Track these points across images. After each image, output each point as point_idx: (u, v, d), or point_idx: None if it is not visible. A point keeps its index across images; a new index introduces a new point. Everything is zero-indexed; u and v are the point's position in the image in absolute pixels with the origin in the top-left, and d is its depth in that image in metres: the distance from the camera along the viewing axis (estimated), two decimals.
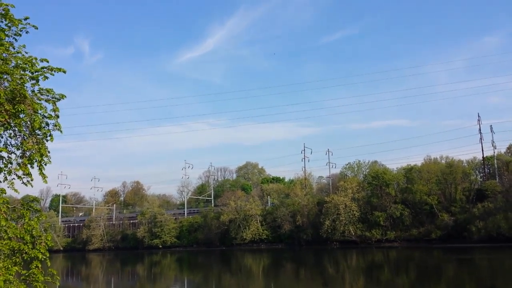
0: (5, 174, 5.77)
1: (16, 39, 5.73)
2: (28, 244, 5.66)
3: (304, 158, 72.70)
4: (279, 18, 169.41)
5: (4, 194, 5.75)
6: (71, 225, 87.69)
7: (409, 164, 59.13)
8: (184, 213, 78.85)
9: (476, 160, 60.52)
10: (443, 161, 57.97)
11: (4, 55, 5.53)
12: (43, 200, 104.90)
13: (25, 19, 5.71)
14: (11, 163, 5.80)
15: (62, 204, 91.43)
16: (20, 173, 5.71)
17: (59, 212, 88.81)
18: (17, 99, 5.47)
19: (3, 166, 5.81)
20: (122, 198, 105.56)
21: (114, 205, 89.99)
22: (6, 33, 5.60)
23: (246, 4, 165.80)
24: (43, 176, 5.90)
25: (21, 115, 5.57)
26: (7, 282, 5.44)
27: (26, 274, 5.71)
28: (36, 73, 5.79)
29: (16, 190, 5.81)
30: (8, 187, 5.74)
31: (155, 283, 30.96)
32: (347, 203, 56.15)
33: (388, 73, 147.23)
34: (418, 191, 53.01)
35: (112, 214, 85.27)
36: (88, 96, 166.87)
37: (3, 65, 5.41)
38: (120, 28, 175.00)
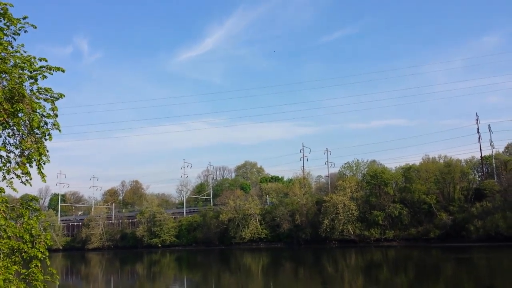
0: (4, 173, 5.77)
1: (14, 38, 5.73)
2: (27, 243, 5.67)
3: (303, 158, 72.84)
4: (278, 18, 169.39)
5: (3, 193, 5.75)
6: (70, 224, 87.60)
7: (408, 164, 59.30)
8: (183, 212, 78.87)
9: (475, 159, 60.70)
10: (441, 161, 58.11)
11: (2, 54, 5.53)
12: (42, 199, 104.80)
13: (24, 18, 5.71)
14: (10, 162, 5.80)
15: (61, 203, 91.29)
16: (19, 172, 5.71)
17: (58, 211, 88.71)
18: (15, 98, 5.46)
19: (2, 165, 5.81)
20: (121, 197, 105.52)
21: (113, 204, 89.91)
22: (5, 32, 5.59)
23: (245, 4, 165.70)
24: (42, 175, 5.90)
25: (20, 114, 5.57)
26: (7, 281, 5.45)
27: (26, 273, 5.72)
28: (35, 72, 5.78)
29: (15, 189, 5.81)
30: (7, 186, 5.75)
31: (155, 282, 30.99)
32: (345, 202, 56.26)
33: (387, 72, 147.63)
34: (416, 191, 53.14)
35: (111, 213, 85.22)
36: (87, 95, 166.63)
37: (1, 64, 5.41)
38: (119, 27, 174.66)
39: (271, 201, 68.57)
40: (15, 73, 5.55)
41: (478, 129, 60.23)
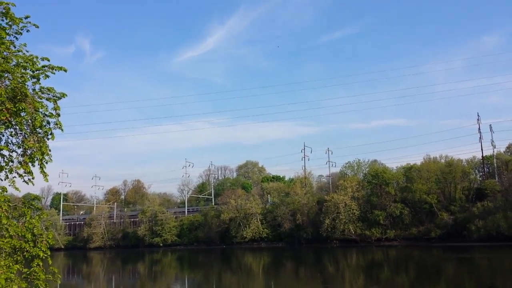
0: (6, 172, 5.79)
1: (17, 38, 5.74)
2: (29, 242, 5.68)
3: (304, 157, 72.78)
4: (279, 18, 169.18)
5: (5, 192, 5.77)
6: (72, 223, 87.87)
7: (409, 163, 59.12)
8: (185, 212, 78.99)
9: (476, 159, 60.50)
10: (442, 160, 57.94)
11: (5, 53, 5.54)
12: (44, 198, 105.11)
13: (26, 17, 5.72)
14: (12, 162, 5.82)
15: (63, 202, 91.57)
16: (21, 171, 5.73)
17: (60, 211, 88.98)
18: (18, 97, 5.47)
19: (4, 164, 5.82)
20: (123, 197, 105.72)
21: (115, 203, 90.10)
22: (7, 31, 5.60)
23: (246, 4, 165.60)
24: (44, 175, 5.91)
25: (22, 114, 5.58)
26: (9, 280, 5.46)
27: (28, 272, 5.73)
28: (37, 72, 5.79)
29: (17, 189, 5.83)
30: (10, 185, 5.77)
31: (156, 281, 31.05)
32: (347, 202, 56.19)
33: (387, 72, 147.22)
34: (417, 190, 53.02)
35: (113, 212, 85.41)
36: (88, 95, 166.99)
37: (4, 64, 5.42)
38: (121, 27, 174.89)
39: (273, 201, 68.55)
40: (17, 72, 5.56)
41: (479, 129, 60.11)
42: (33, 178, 5.83)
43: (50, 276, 5.99)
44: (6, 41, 5.56)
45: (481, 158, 59.74)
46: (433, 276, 25.52)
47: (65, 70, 6.00)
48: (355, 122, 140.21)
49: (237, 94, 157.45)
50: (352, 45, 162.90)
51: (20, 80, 5.55)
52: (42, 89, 5.89)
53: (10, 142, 5.80)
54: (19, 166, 5.72)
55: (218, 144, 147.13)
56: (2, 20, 5.59)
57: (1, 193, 5.67)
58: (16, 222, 5.83)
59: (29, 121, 5.69)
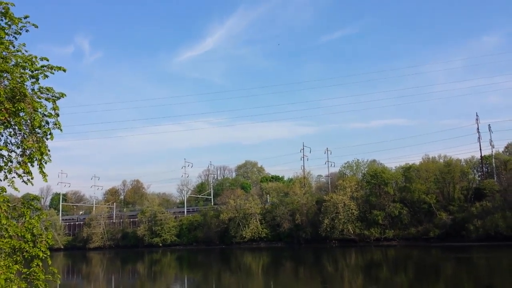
0: (5, 172, 5.78)
1: (16, 38, 5.73)
2: (28, 242, 5.68)
3: (303, 157, 72.83)
4: (278, 18, 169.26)
5: (4, 193, 5.76)
6: (72, 223, 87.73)
7: (408, 163, 59.23)
8: (184, 212, 78.95)
9: (474, 159, 60.65)
10: (441, 160, 58.07)
11: (4, 53, 5.53)
12: (43, 198, 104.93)
13: (25, 17, 5.71)
14: (11, 162, 5.81)
15: (62, 202, 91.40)
16: (20, 171, 5.72)
17: (59, 211, 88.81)
18: (17, 97, 5.47)
19: (3, 164, 5.81)
20: (122, 197, 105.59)
21: (114, 203, 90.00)
22: (6, 31, 5.60)
23: (245, 4, 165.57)
24: (43, 175, 5.91)
25: (21, 114, 5.57)
26: (8, 280, 5.46)
27: (27, 272, 5.73)
28: (36, 72, 5.78)
29: (16, 189, 5.82)
30: (9, 185, 5.76)
31: (155, 281, 31.03)
32: (346, 201, 56.26)
33: (387, 72, 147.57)
34: (416, 190, 53.12)
35: (113, 212, 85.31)
36: (88, 95, 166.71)
37: (3, 64, 5.41)
38: (120, 27, 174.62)
39: (272, 201, 68.58)
40: (16, 72, 5.56)
41: (478, 129, 60.26)
42: (32, 178, 5.82)
43: (49, 276, 5.98)
44: (5, 41, 5.55)
45: (480, 158, 59.89)
46: (431, 275, 25.58)
47: (64, 70, 6.00)
48: (354, 122, 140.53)
49: (237, 94, 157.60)
50: (352, 45, 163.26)
51: (19, 80, 5.55)
52: (41, 89, 5.88)
53: (9, 142, 5.80)
54: (18, 166, 5.71)
55: (217, 144, 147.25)
56: (1, 20, 5.58)
57: (1, 193, 5.66)
58: (16, 222, 5.83)
59: (28, 121, 5.68)
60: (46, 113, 5.84)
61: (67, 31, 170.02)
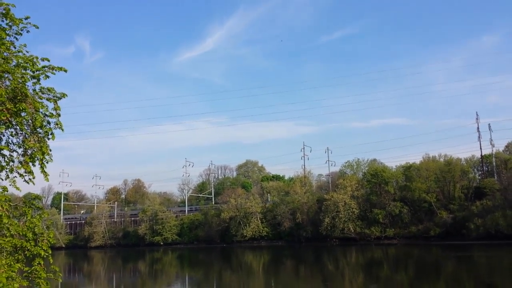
0: (7, 172, 5.82)
1: (17, 38, 5.76)
2: (30, 241, 5.73)
3: (304, 156, 72.85)
4: (278, 18, 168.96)
5: (6, 192, 5.82)
6: (73, 222, 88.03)
7: (408, 162, 59.24)
8: (185, 211, 79.10)
9: (475, 158, 60.61)
10: (441, 159, 58.01)
11: (5, 54, 5.57)
12: (45, 198, 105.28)
13: (26, 18, 5.74)
14: (13, 161, 5.85)
15: (64, 201, 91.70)
16: (22, 171, 5.76)
17: (61, 210, 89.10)
18: (18, 97, 5.51)
19: (5, 164, 5.86)
20: (123, 196, 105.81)
21: (116, 202, 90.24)
22: (7, 32, 5.63)
23: (245, 4, 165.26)
24: (45, 174, 5.95)
25: (23, 114, 5.61)
26: (10, 278, 5.51)
27: (29, 271, 5.78)
28: (37, 72, 5.82)
29: (18, 188, 5.86)
30: (10, 185, 5.80)
31: (157, 280, 31.16)
32: (346, 200, 56.29)
33: (387, 72, 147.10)
34: (417, 189, 53.10)
35: (114, 211, 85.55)
36: (89, 95, 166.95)
37: (4, 64, 5.45)
38: (121, 27, 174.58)
39: (272, 200, 68.64)
40: (17, 73, 5.59)
41: (478, 128, 60.24)
42: (33, 178, 5.86)
43: (51, 274, 6.02)
44: (6, 42, 5.59)
45: (480, 157, 59.84)
46: (432, 274, 25.62)
47: (65, 71, 6.04)
48: (354, 122, 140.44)
49: (237, 94, 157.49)
50: (352, 45, 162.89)
51: (21, 81, 5.58)
52: (42, 90, 5.92)
53: (10, 142, 5.84)
54: (20, 166, 5.76)
55: (218, 143, 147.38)
56: (2, 21, 5.62)
57: (2, 193, 5.71)
58: (17, 221, 5.88)
59: (30, 121, 5.72)
60: (47, 113, 5.88)
61: (67, 31, 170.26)
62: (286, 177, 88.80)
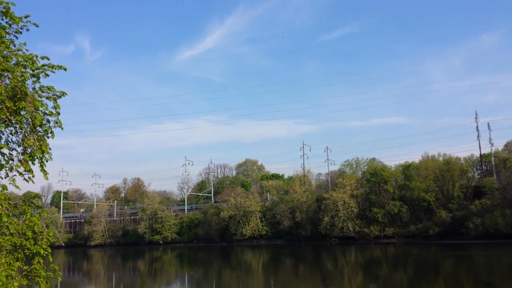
0: (6, 170, 5.81)
1: (16, 37, 5.74)
2: (30, 240, 5.72)
3: (303, 155, 72.91)
4: (278, 16, 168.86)
5: (5, 191, 5.81)
6: (73, 221, 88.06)
7: (407, 161, 59.37)
8: (185, 210, 79.13)
9: (474, 157, 60.73)
10: (440, 158, 58.12)
11: (5, 52, 5.55)
12: (44, 196, 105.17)
13: (26, 16, 5.72)
14: (13, 160, 5.84)
15: (63, 200, 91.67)
16: (21, 169, 5.75)
17: (60, 208, 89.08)
18: (18, 96, 5.49)
19: (4, 163, 5.84)
20: (123, 195, 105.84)
21: (115, 201, 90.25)
22: (7, 30, 5.61)
23: (245, 2, 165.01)
24: (44, 173, 5.94)
25: (22, 112, 5.60)
26: (9, 277, 5.51)
27: (28, 269, 5.77)
28: (37, 71, 5.80)
29: (17, 187, 5.85)
30: (10, 183, 5.79)
31: (156, 278, 31.20)
32: (345, 199, 56.38)
33: (386, 71, 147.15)
34: (416, 188, 53.20)
35: (113, 210, 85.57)
36: (88, 93, 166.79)
37: (4, 63, 5.43)
38: (121, 26, 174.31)
39: (272, 199, 68.72)
40: (17, 71, 5.57)
41: (477, 127, 60.37)
42: (33, 176, 5.85)
43: (50, 273, 6.02)
44: (6, 40, 5.57)
45: (479, 156, 59.95)
46: (431, 273, 25.69)
47: (65, 69, 6.02)
48: (354, 120, 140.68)
49: (237, 92, 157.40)
50: (352, 44, 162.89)
51: (20, 79, 5.56)
52: (42, 88, 5.90)
53: (10, 140, 5.82)
54: (19, 164, 5.74)
55: (218, 142, 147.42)
56: (2, 19, 5.59)
57: (2, 191, 5.70)
58: (17, 220, 5.87)
59: (29, 119, 5.71)
60: (47, 111, 5.86)
61: (67, 30, 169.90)
62: (286, 176, 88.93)
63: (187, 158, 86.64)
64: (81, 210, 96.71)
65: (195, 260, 46.92)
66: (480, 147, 59.61)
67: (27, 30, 5.77)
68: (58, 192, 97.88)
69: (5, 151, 5.80)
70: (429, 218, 52.44)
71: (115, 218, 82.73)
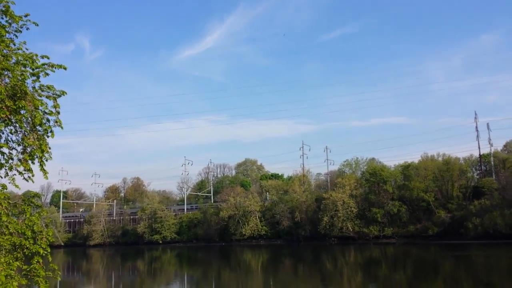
0: (6, 170, 5.79)
1: (16, 36, 5.72)
2: (29, 239, 5.71)
3: (303, 155, 72.96)
4: (278, 16, 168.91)
5: (5, 190, 5.80)
6: (72, 220, 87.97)
7: (407, 161, 59.41)
8: (184, 209, 79.12)
9: (473, 157, 60.83)
10: (440, 159, 58.19)
11: (4, 51, 5.53)
12: (44, 195, 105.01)
13: (26, 15, 5.71)
14: (12, 159, 5.82)
15: (63, 200, 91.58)
16: (21, 169, 5.73)
17: (60, 208, 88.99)
18: (18, 95, 5.48)
19: (4, 162, 5.83)
20: (122, 194, 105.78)
21: (115, 201, 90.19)
22: (7, 29, 5.59)
23: (245, 2, 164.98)
24: (44, 172, 5.92)
25: (22, 111, 5.58)
26: (9, 277, 5.49)
27: (28, 269, 5.76)
28: (37, 70, 5.78)
29: (17, 186, 5.84)
30: (9, 182, 5.78)
31: (155, 278, 31.19)
32: (345, 199, 56.42)
33: (386, 71, 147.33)
34: (415, 188, 53.26)
35: (113, 210, 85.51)
36: (88, 93, 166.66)
37: (4, 62, 5.42)
38: (121, 25, 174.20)
39: (271, 198, 68.74)
40: (17, 70, 5.56)
41: (476, 127, 60.48)
42: (33, 176, 5.84)
43: (50, 273, 6.01)
44: (5, 39, 5.55)
45: (479, 156, 60.03)
46: (430, 273, 25.72)
47: (65, 68, 6.00)
48: (353, 120, 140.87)
49: (237, 92, 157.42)
50: (352, 44, 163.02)
51: (20, 78, 5.55)
52: (42, 87, 5.89)
53: (10, 139, 5.81)
54: (19, 163, 5.73)
55: (217, 142, 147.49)
56: (2, 18, 5.58)
57: (1, 191, 5.69)
58: (16, 219, 5.86)
59: (29, 118, 5.69)
60: (46, 110, 5.85)
61: (67, 29, 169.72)
62: (285, 176, 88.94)
63: (187, 158, 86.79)
64: (81, 210, 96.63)
65: (194, 260, 46.91)
66: (479, 147, 59.79)
67: (27, 29, 5.76)
68: (58, 192, 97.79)
69: (5, 150, 5.78)
70: (428, 218, 52.50)
71: (114, 218, 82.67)
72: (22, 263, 5.81)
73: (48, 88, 5.91)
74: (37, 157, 5.80)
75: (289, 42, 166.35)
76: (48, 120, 5.89)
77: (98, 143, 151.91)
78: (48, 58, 5.87)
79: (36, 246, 5.73)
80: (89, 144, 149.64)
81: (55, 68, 5.89)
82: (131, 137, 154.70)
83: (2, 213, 5.47)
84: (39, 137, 5.81)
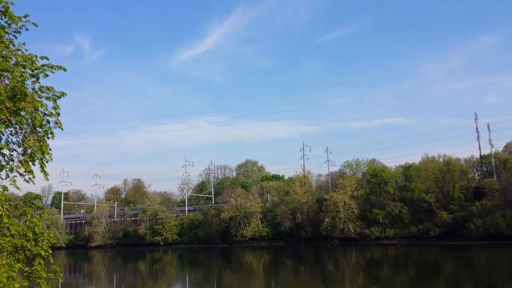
0: (7, 171, 5.79)
1: (16, 37, 5.72)
2: (30, 241, 5.70)
3: (303, 156, 72.85)
4: (278, 17, 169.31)
5: (6, 192, 5.78)
6: (73, 222, 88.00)
7: (407, 162, 59.22)
8: (185, 211, 79.08)
9: (474, 158, 60.67)
10: (441, 159, 58.04)
11: (4, 52, 5.53)
12: (45, 197, 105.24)
13: (25, 16, 5.70)
14: (13, 161, 5.81)
15: (63, 201, 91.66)
16: (21, 170, 5.72)
17: (61, 209, 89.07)
18: (17, 96, 5.47)
19: (4, 163, 5.82)
20: (123, 196, 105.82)
21: (116, 202, 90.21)
22: (6, 30, 5.59)
23: (245, 3, 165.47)
24: (45, 174, 5.91)
25: (22, 113, 5.57)
26: (10, 278, 5.48)
27: (29, 271, 5.74)
28: (37, 71, 5.78)
29: (18, 188, 5.82)
30: (10, 184, 5.76)
31: (157, 280, 31.13)
32: (346, 200, 56.29)
33: (386, 72, 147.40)
34: (416, 189, 53.11)
35: (114, 211, 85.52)
36: (88, 94, 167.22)
37: (3, 63, 5.41)
38: (121, 26, 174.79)
39: (272, 200, 68.63)
40: (16, 71, 5.55)
41: (477, 128, 60.34)
42: (33, 177, 5.82)
43: (51, 274, 5.99)
44: (5, 40, 5.55)
45: (479, 157, 59.86)
46: (432, 274, 25.61)
47: (65, 69, 5.99)
48: (354, 121, 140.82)
49: (237, 93, 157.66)
50: (351, 45, 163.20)
51: (20, 79, 5.54)
52: (42, 88, 5.88)
53: (10, 141, 5.80)
54: (20, 165, 5.71)
55: (218, 143, 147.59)
56: (1, 19, 5.57)
57: (2, 192, 5.68)
58: (17, 221, 5.84)
59: (29, 120, 5.68)
60: (46, 112, 5.84)
61: (67, 30, 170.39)
62: (286, 177, 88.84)
63: (187, 159, 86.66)
64: (82, 211, 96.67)
65: (195, 262, 46.84)
66: (480, 148, 59.62)
67: (26, 29, 5.75)
68: (59, 193, 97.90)
69: (6, 151, 5.78)
70: (429, 219, 52.32)
71: (115, 219, 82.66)
72: (24, 264, 5.79)
73: (48, 89, 5.90)
74: (37, 158, 5.79)
75: (289, 43, 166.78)
76: (48, 122, 5.88)
77: (99, 144, 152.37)
78: (48, 59, 5.87)
79: (37, 247, 5.72)
80: (90, 145, 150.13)
81: (55, 69, 5.89)
82: (131, 138, 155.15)
83: (3, 215, 5.46)
84: (39, 138, 5.79)
